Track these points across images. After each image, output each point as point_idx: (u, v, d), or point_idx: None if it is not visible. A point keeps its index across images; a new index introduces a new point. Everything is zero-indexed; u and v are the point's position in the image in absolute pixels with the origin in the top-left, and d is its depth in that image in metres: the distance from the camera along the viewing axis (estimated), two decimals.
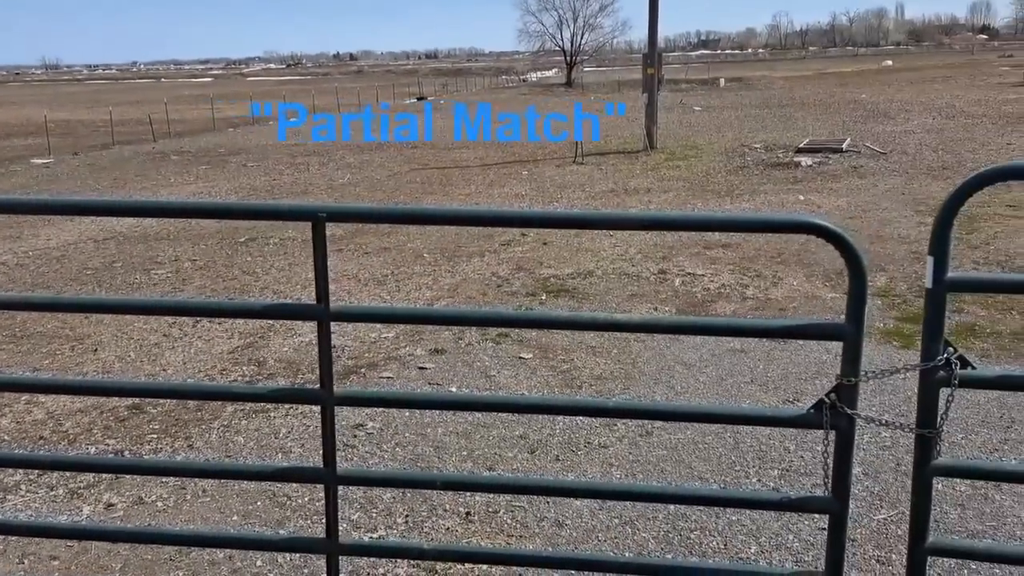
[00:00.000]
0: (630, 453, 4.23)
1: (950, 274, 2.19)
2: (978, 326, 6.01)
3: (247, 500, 3.91)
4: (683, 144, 19.86)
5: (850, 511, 3.57)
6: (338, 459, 2.39)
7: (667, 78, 46.69)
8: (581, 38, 64.86)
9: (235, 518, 3.77)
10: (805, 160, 15.72)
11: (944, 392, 2.23)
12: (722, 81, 52.68)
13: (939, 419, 2.24)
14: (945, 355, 2.21)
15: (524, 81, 76.71)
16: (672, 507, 3.57)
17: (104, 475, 4.14)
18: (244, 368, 5.80)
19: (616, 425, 4.50)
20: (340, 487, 2.70)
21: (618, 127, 25.31)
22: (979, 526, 3.45)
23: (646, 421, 4.42)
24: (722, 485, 3.88)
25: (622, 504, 3.63)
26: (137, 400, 5.10)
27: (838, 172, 14.34)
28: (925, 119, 23.05)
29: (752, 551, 3.35)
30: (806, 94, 38.38)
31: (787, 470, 4.00)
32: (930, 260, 2.21)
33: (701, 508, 3.56)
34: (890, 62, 78.48)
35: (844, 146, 17.10)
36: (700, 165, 16.19)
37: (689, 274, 7.95)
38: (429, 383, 5.38)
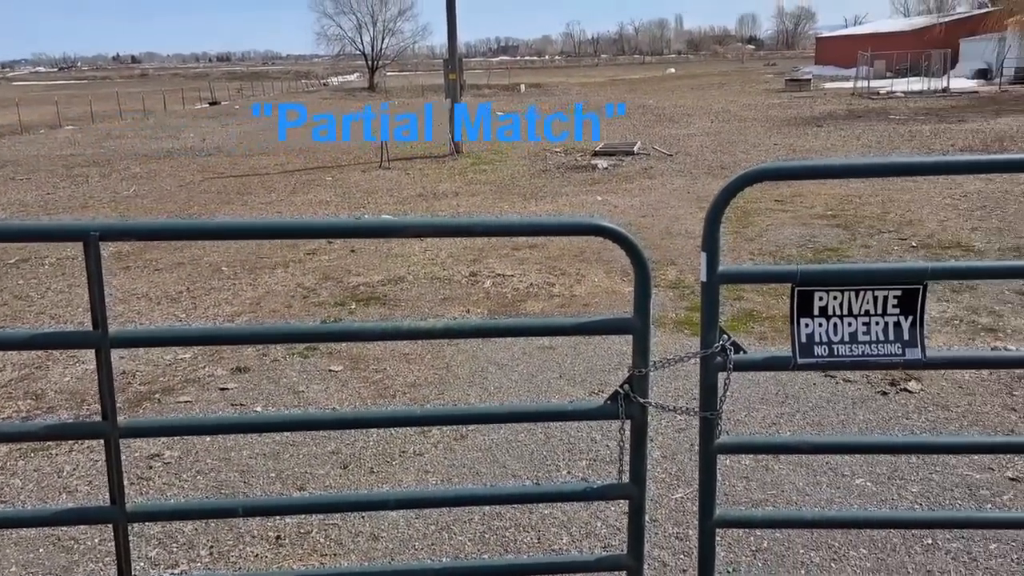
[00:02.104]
0: (445, 458, 4.26)
1: (721, 268, 2.39)
2: (756, 311, 6.60)
3: (26, 548, 3.53)
4: (488, 149, 20.28)
5: (651, 492, 3.82)
6: (132, 493, 2.22)
7: (469, 83, 47.41)
8: (382, 42, 64.49)
9: (13, 569, 3.40)
10: (601, 163, 16.57)
11: (722, 376, 2.44)
12: (522, 87, 54.35)
13: (719, 401, 2.45)
14: (721, 342, 2.41)
15: (325, 85, 75.05)
16: (487, 507, 3.64)
17: None
18: (19, 403, 5.24)
19: (431, 431, 4.51)
20: (133, 524, 2.50)
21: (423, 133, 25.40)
22: (762, 495, 3.79)
23: (460, 424, 4.47)
24: (535, 480, 4.00)
25: (438, 510, 3.65)
26: None
27: (631, 173, 15.24)
28: (704, 123, 25.04)
29: (564, 542, 3.48)
30: (600, 99, 40.45)
31: (594, 460, 4.20)
32: (703, 256, 2.40)
33: (515, 505, 3.65)
34: (673, 70, 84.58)
35: (635, 149, 18.21)
36: (505, 169, 16.61)
37: (499, 275, 8.13)
38: (232, 404, 5.12)
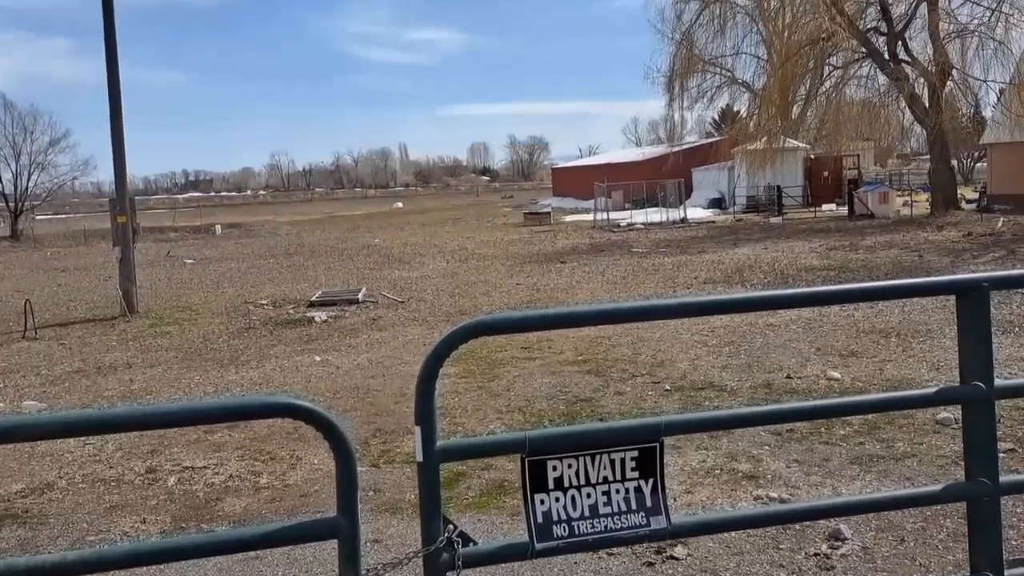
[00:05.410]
0: None
1: (440, 443, 2.41)
2: (508, 481, 6.70)
3: None
4: (173, 305, 19.52)
5: None
6: None
7: (150, 226, 46.02)
8: (28, 180, 60.47)
9: None
10: (319, 315, 16.55)
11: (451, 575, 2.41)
12: (218, 228, 53.66)
13: None
14: (446, 534, 2.39)
15: None
16: None
17: None
18: None
19: None
20: None
21: (86, 290, 23.95)
22: None
23: None
24: None
25: None
26: None
27: (356, 325, 15.35)
28: (439, 263, 26.15)
29: None
30: (316, 240, 40.94)
31: None
32: (417, 430, 2.41)
33: None
34: (400, 204, 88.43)
35: (360, 296, 18.47)
36: (196, 329, 16.00)
37: (187, 468, 7.62)
38: None
